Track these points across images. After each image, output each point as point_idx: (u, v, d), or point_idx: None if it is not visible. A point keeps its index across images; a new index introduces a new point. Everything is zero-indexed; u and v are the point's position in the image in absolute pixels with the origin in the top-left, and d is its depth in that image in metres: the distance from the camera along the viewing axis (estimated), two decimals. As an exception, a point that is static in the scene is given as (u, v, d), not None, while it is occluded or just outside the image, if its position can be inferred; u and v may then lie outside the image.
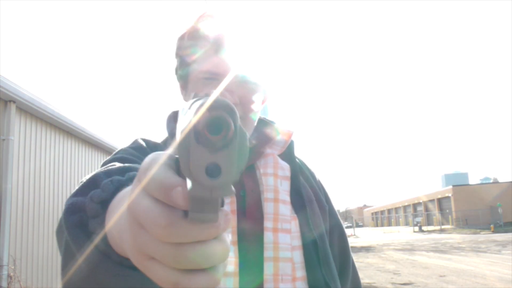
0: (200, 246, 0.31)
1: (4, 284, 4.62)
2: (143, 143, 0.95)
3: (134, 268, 0.42)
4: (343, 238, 1.09)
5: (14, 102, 5.03)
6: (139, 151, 0.90)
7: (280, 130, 1.03)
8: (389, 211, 70.50)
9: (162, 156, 0.33)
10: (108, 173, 0.51)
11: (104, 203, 0.46)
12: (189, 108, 0.28)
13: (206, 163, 0.26)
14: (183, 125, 0.27)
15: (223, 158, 0.26)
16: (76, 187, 0.54)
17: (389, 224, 66.65)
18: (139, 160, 0.85)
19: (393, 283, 8.66)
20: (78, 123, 6.68)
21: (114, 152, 0.90)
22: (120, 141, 8.76)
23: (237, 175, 0.27)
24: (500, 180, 50.32)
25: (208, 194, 0.27)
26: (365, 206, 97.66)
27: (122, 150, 0.90)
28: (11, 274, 4.75)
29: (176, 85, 0.99)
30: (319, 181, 1.12)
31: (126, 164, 0.54)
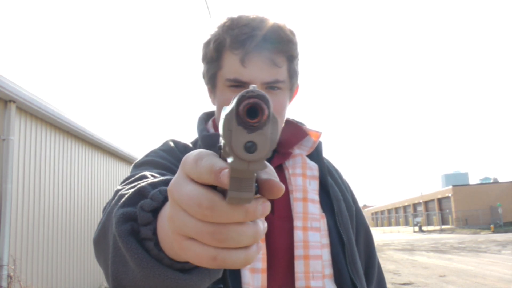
0: (234, 226, 0.35)
1: (4, 284, 4.62)
2: (173, 145, 0.96)
3: (183, 271, 0.48)
4: (368, 238, 1.10)
5: (14, 102, 5.03)
6: (169, 153, 0.92)
7: (309, 131, 1.04)
8: (389, 211, 70.46)
9: (206, 151, 0.37)
10: (154, 185, 0.54)
11: (155, 212, 0.49)
12: (233, 99, 0.33)
13: (244, 141, 0.31)
14: (227, 112, 0.32)
15: (259, 137, 0.31)
16: (121, 199, 0.55)
17: (389, 224, 66.60)
18: (169, 163, 0.87)
19: (393, 283, 8.65)
20: (78, 123, 6.68)
21: (145, 154, 0.92)
22: (120, 141, 8.77)
23: (269, 152, 0.32)
24: (500, 180, 50.27)
25: (245, 166, 0.31)
26: (365, 206, 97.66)
27: (153, 153, 0.92)
28: (11, 274, 4.75)
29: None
30: (345, 181, 1.14)
31: (169, 177, 0.57)
